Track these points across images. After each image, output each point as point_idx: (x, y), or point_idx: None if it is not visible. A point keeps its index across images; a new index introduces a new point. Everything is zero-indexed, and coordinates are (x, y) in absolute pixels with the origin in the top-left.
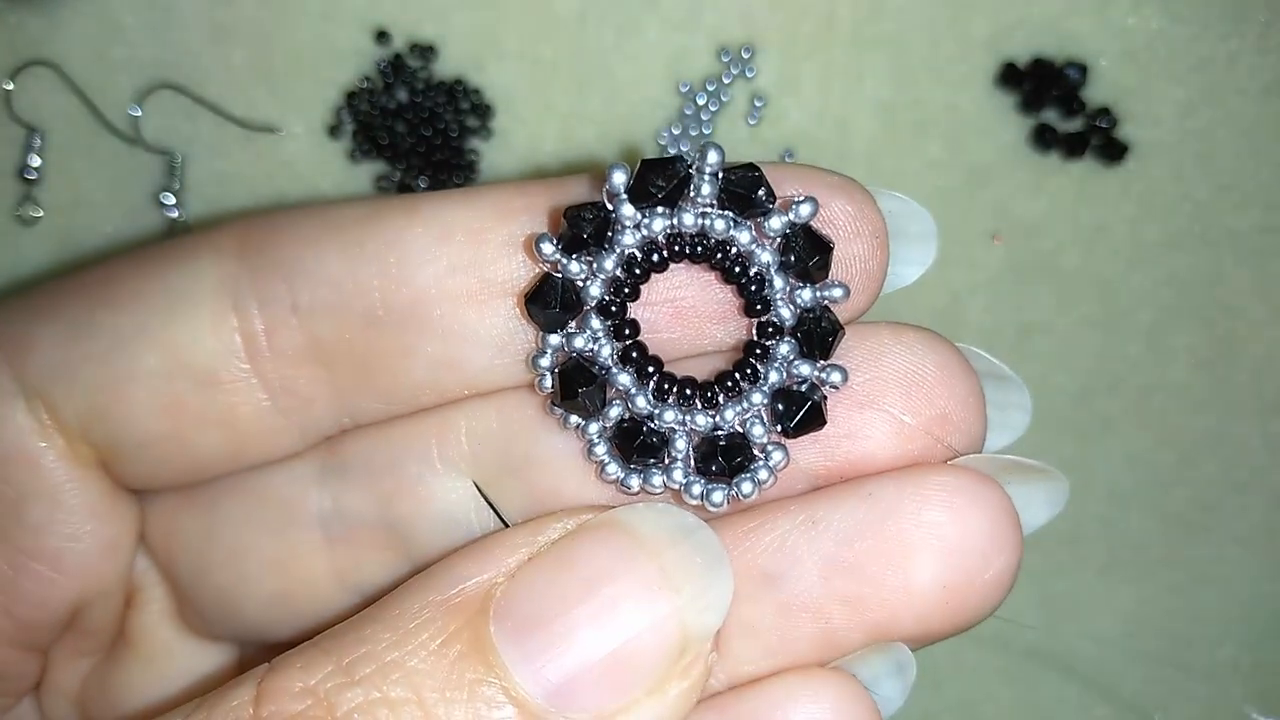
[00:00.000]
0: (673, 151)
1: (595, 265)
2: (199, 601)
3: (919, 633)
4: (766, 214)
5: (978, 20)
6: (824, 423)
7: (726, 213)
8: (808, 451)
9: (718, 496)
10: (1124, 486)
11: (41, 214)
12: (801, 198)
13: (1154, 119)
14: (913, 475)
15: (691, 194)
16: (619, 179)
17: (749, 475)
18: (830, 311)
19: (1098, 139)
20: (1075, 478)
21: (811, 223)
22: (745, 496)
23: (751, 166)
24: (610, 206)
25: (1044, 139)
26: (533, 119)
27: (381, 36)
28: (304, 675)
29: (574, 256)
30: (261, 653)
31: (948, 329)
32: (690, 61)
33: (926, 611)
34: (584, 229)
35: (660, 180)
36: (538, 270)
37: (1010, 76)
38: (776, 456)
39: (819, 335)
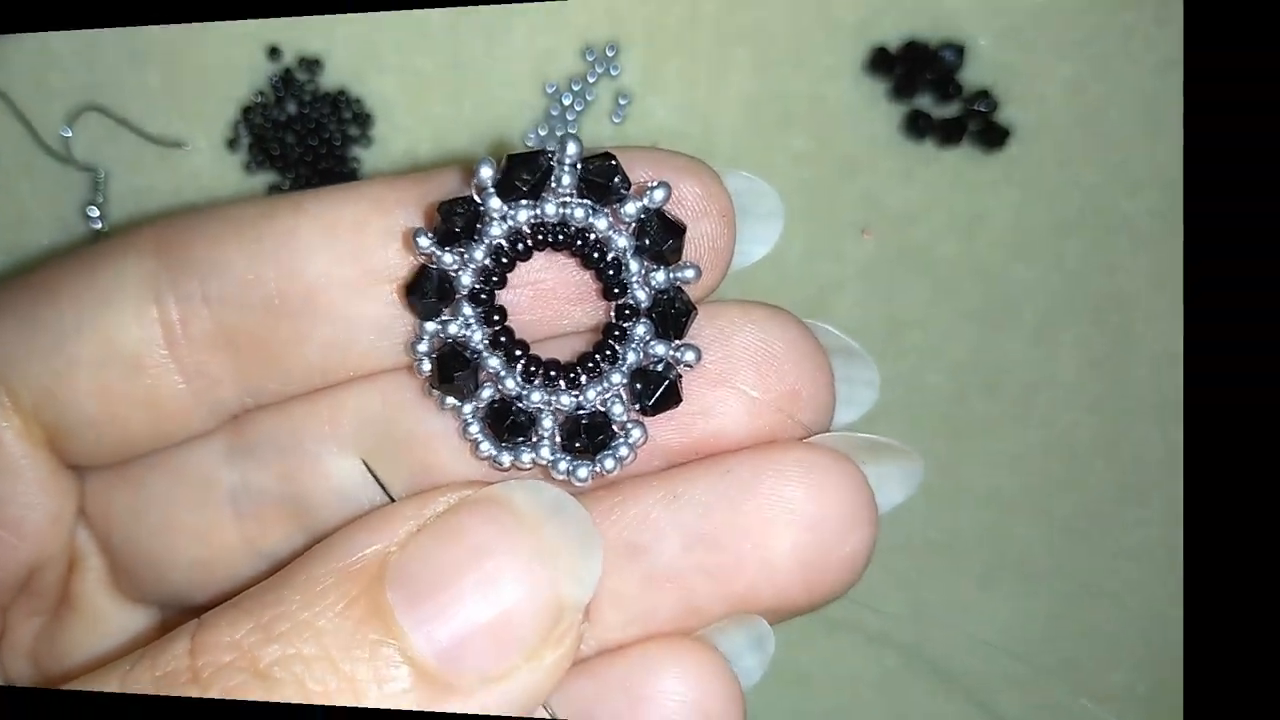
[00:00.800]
0: None
1: (466, 256)
2: (130, 569)
3: (778, 605)
4: (622, 200)
5: (845, 4)
6: (680, 400)
7: (585, 201)
8: (665, 429)
9: (583, 472)
10: (1006, 492)
11: None
12: (655, 183)
13: (1038, 99)
14: (769, 451)
15: (553, 185)
16: (486, 173)
17: (611, 452)
18: (683, 292)
19: (976, 124)
20: (951, 481)
21: (664, 207)
22: (608, 472)
23: (608, 155)
24: (479, 200)
25: (917, 126)
26: (410, 126)
27: (274, 52)
28: (230, 631)
29: (447, 249)
30: (181, 615)
31: None
32: (557, 62)
33: (784, 584)
34: (455, 223)
35: (525, 174)
36: (415, 262)
37: (880, 62)
38: (636, 434)
39: (673, 316)
